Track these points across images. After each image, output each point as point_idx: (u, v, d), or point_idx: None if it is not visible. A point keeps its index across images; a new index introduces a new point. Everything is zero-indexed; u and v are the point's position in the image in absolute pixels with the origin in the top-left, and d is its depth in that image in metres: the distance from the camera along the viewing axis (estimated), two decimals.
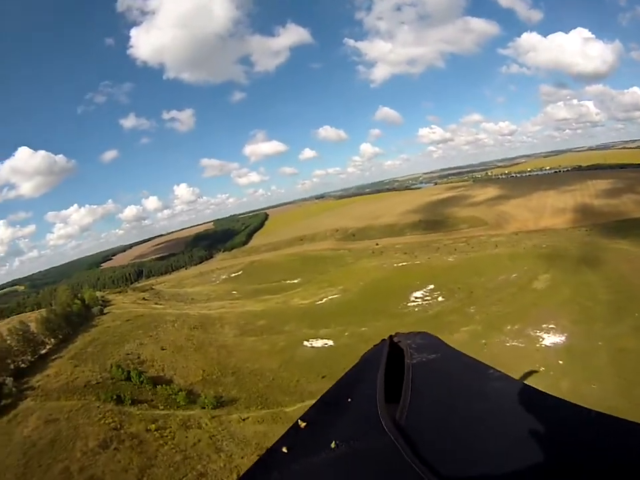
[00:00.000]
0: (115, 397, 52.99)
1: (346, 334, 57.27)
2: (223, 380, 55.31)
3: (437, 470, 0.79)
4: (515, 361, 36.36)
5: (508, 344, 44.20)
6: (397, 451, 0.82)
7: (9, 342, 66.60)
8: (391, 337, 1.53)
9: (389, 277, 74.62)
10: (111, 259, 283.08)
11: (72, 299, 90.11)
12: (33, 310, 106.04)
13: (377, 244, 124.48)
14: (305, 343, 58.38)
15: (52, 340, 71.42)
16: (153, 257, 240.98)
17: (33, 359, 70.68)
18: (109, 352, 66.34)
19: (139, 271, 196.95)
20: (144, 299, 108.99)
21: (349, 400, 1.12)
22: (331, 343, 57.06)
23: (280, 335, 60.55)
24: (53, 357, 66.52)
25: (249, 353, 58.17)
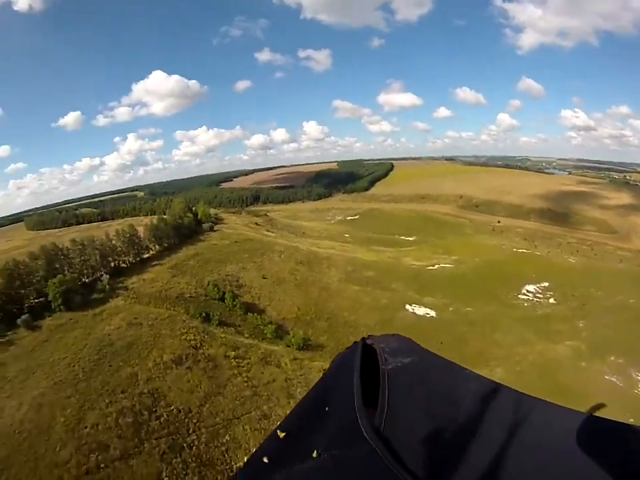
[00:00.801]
0: (203, 314, 57.97)
1: (450, 309, 59.85)
2: (316, 323, 59.20)
3: (419, 476, 0.90)
4: (605, 398, 36.62)
5: (606, 377, 44.15)
6: (378, 458, 0.95)
7: (114, 242, 79.76)
8: (363, 339, 1.67)
9: (506, 261, 77.92)
10: (232, 181, 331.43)
11: (185, 211, 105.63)
12: (146, 215, 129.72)
13: (499, 221, 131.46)
14: (408, 306, 62.23)
15: (156, 247, 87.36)
16: (273, 185, 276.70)
17: (134, 261, 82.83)
18: (210, 269, 76.12)
19: (256, 195, 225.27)
20: (256, 223, 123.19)
21: (327, 409, 1.26)
22: (432, 314, 59.83)
23: (385, 292, 65.56)
24: (153, 263, 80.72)
25: (349, 302, 62.54)
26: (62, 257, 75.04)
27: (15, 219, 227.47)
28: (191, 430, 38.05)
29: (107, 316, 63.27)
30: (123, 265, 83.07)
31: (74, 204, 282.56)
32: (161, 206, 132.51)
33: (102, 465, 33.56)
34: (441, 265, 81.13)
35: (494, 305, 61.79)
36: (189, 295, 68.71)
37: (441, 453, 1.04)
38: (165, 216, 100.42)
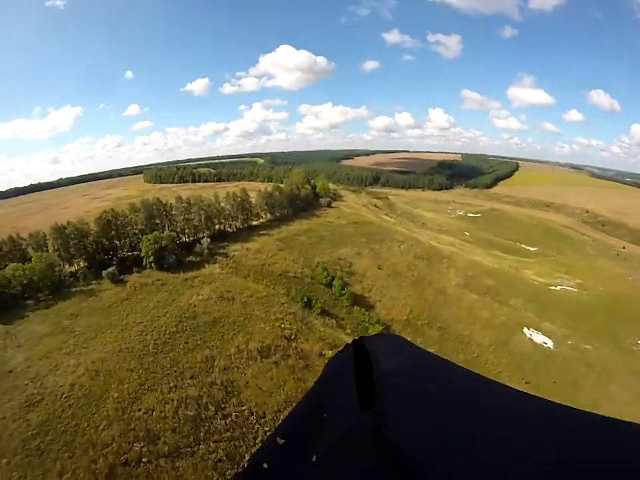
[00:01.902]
0: (305, 299, 60.46)
1: (569, 342, 63.99)
2: (427, 331, 62.05)
3: (418, 478, 1.07)
4: None
5: None
6: (377, 462, 1.12)
7: (223, 204, 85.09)
8: (355, 341, 1.92)
9: (631, 297, 79.20)
10: (352, 159, 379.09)
11: (303, 182, 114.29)
12: (263, 181, 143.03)
13: (624, 247, 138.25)
14: (525, 330, 65.27)
15: (267, 215, 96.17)
16: (393, 168, 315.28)
17: (240, 227, 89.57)
18: (321, 249, 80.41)
19: (376, 177, 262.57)
20: (376, 206, 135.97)
21: (325, 415, 1.49)
22: (550, 344, 63.44)
23: (502, 307, 69.62)
24: (261, 233, 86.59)
25: (465, 312, 66.51)
26: (164, 213, 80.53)
27: (136, 170, 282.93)
28: (258, 439, 36.57)
29: (198, 283, 64.19)
30: (228, 229, 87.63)
31: (194, 163, 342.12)
32: (279, 174, 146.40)
33: (144, 459, 33.52)
34: (564, 287, 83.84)
35: (612, 347, 62.47)
36: (293, 274, 69.58)
37: (439, 454, 1.21)
38: (281, 184, 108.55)
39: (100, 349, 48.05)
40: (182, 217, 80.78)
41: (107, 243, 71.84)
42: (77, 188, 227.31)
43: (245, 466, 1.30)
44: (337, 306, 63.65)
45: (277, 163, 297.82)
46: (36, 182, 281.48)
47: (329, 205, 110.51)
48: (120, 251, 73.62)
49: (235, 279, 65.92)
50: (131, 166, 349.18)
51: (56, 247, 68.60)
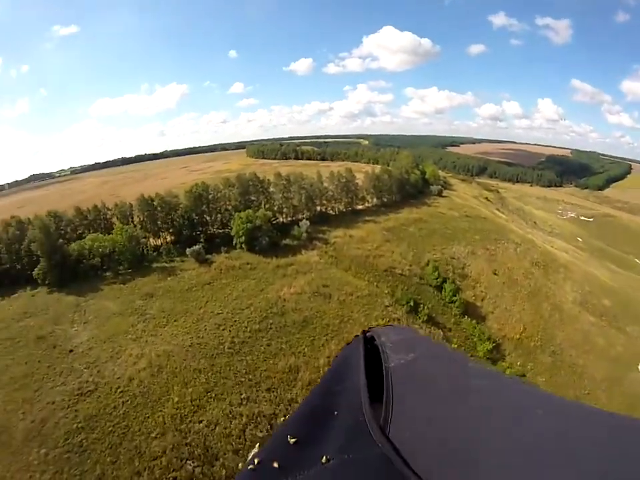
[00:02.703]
0: (411, 303, 58.51)
1: None
2: (539, 355, 60.15)
3: (428, 477, 1.14)
4: None
5: None
6: (387, 461, 1.20)
7: (326, 184, 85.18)
8: (364, 332, 2.07)
9: None
10: (458, 146, 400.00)
11: (412, 167, 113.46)
12: (368, 163, 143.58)
13: None
14: None
15: (374, 200, 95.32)
16: (499, 159, 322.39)
17: (344, 210, 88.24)
18: (432, 244, 78.23)
19: (482, 167, 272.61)
20: (487, 198, 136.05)
21: (336, 413, 1.60)
22: None
23: (619, 334, 67.06)
24: (366, 219, 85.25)
25: (580, 336, 65.64)
26: (260, 190, 78.95)
27: (240, 145, 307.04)
28: None
29: (291, 272, 60.87)
30: (330, 212, 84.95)
31: (298, 141, 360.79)
32: (386, 157, 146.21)
33: None
34: None
35: None
36: (400, 272, 65.81)
37: (449, 452, 1.28)
38: (389, 167, 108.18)
39: (169, 339, 46.11)
40: (280, 195, 79.32)
41: (196, 217, 71.57)
42: (179, 160, 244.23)
43: (255, 463, 1.36)
44: (446, 314, 61.29)
45: (381, 145, 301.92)
46: (142, 153, 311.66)
47: (439, 194, 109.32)
48: (210, 228, 73.33)
49: (335, 270, 62.51)
50: (235, 141, 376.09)
51: (142, 219, 70.00)
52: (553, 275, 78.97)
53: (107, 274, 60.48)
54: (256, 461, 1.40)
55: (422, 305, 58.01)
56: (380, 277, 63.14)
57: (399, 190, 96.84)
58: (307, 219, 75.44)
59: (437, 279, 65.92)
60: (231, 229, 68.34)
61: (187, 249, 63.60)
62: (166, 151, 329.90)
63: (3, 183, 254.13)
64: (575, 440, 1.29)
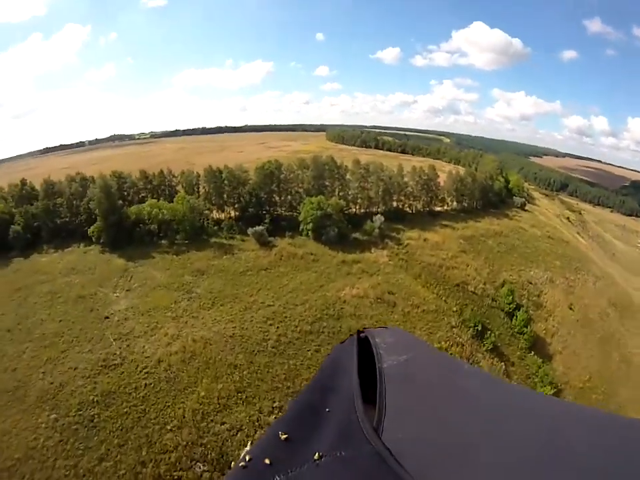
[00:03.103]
0: (479, 327, 54.54)
1: None
2: None
3: (420, 476, 1.17)
4: None
5: None
6: (380, 459, 1.22)
7: (405, 179, 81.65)
8: (358, 332, 2.06)
9: None
10: (540, 157, 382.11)
11: (496, 173, 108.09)
12: (449, 162, 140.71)
13: None
14: None
15: (454, 203, 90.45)
16: (580, 176, 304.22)
17: (421, 210, 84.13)
18: (510, 262, 71.87)
19: (564, 183, 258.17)
20: (568, 219, 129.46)
21: (328, 410, 1.61)
22: None
23: None
24: (444, 223, 79.90)
25: None
26: (336, 176, 75.12)
27: (320, 128, 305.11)
28: None
29: (356, 271, 56.93)
30: (407, 209, 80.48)
31: (379, 130, 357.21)
32: (469, 158, 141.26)
33: None
34: None
35: None
36: (472, 289, 60.24)
37: (442, 452, 1.31)
38: (474, 170, 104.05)
39: (210, 324, 43.20)
40: (356, 185, 74.73)
41: (264, 196, 68.70)
42: (258, 135, 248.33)
43: (247, 460, 1.37)
44: (512, 345, 56.31)
45: (462, 145, 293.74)
46: (222, 125, 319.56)
47: (522, 207, 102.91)
48: (277, 209, 70.46)
49: (403, 276, 57.77)
50: (316, 123, 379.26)
51: (207, 190, 68.01)
52: (628, 320, 72.17)
53: (163, 242, 59.15)
54: (247, 457, 1.40)
55: (489, 332, 54.06)
56: (450, 291, 58.44)
57: (481, 196, 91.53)
58: (381, 214, 70.63)
59: (510, 303, 60.74)
60: (299, 214, 64.79)
61: (249, 229, 60.95)
62: (246, 125, 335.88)
63: (84, 140, 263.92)
64: (568, 440, 1.34)
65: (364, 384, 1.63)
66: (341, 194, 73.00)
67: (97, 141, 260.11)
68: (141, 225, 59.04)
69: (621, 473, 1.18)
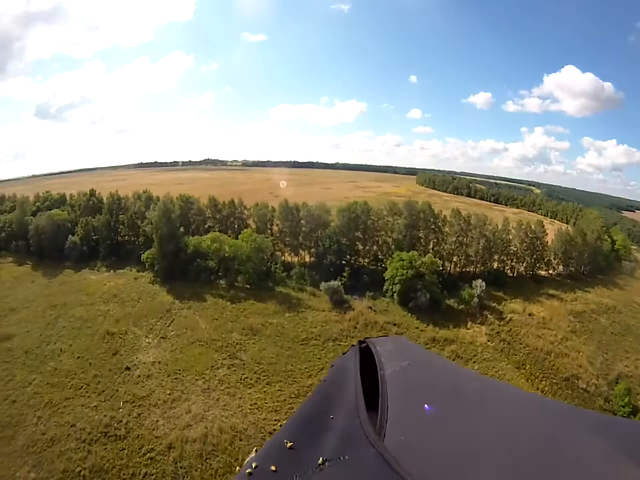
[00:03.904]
0: None
1: None
2: None
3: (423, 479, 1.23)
4: None
5: None
6: (383, 463, 1.27)
7: (511, 237, 71.07)
8: (360, 342, 2.17)
9: None
10: (633, 212, 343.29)
11: (602, 232, 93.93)
12: (545, 216, 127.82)
13: None
14: None
15: (559, 267, 78.89)
16: None
17: (523, 273, 72.56)
18: (624, 348, 60.73)
19: None
20: None
21: (332, 417, 1.67)
22: None
23: None
24: (550, 291, 69.54)
25: None
26: (432, 227, 65.74)
27: (410, 171, 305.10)
28: None
29: (449, 355, 46.94)
30: (508, 272, 69.03)
31: (469, 177, 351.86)
32: (567, 212, 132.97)
33: None
34: None
35: None
36: (584, 385, 48.87)
37: (444, 454, 1.36)
38: (578, 228, 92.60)
39: (247, 410, 35.05)
40: (454, 239, 64.64)
41: (346, 243, 60.01)
42: (348, 174, 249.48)
43: (253, 467, 1.40)
44: None
45: (553, 196, 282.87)
46: (314, 160, 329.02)
47: (631, 273, 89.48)
48: (359, 260, 61.60)
49: (504, 364, 48.78)
50: (406, 166, 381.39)
51: (281, 229, 60.80)
52: None
53: (220, 282, 52.87)
54: (253, 465, 1.43)
55: None
56: (558, 387, 48.72)
57: (591, 260, 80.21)
58: (482, 280, 59.93)
59: (624, 406, 49.84)
60: (384, 268, 55.80)
61: (323, 283, 52.40)
62: (337, 163, 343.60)
63: (178, 160, 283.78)
64: (572, 442, 1.39)
65: (367, 391, 1.69)
66: (435, 248, 63.65)
67: (190, 163, 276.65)
68: (198, 260, 53.12)
69: (624, 475, 1.22)
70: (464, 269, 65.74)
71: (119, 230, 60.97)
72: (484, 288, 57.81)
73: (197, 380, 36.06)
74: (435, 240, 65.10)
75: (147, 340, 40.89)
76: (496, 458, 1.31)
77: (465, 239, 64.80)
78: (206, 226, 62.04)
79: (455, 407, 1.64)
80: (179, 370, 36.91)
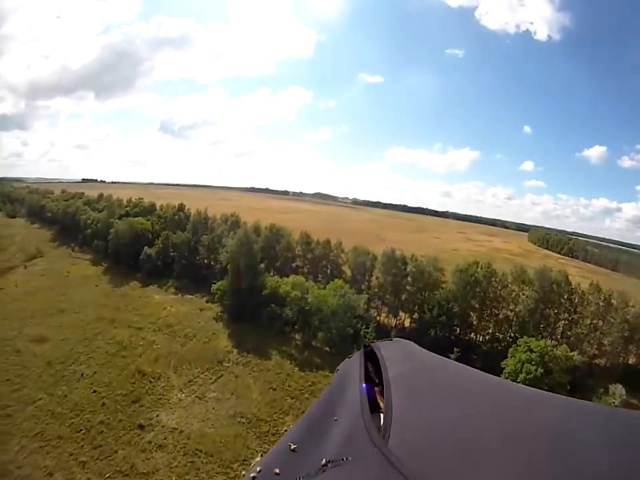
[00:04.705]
0: None
1: None
2: None
3: None
4: None
5: None
6: (388, 464, 1.27)
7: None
8: (364, 346, 2.13)
9: None
10: None
11: None
12: None
13: None
14: None
15: None
16: None
17: None
18: None
19: None
20: None
21: (335, 419, 1.66)
22: None
23: None
24: None
25: None
26: (567, 305, 54.63)
27: (521, 227, 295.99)
28: None
29: None
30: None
31: (582, 239, 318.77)
32: None
33: None
34: None
35: None
36: None
37: (448, 455, 1.37)
38: None
39: None
40: (589, 322, 53.40)
41: (457, 310, 49.64)
42: (457, 224, 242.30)
43: (257, 471, 1.43)
44: None
45: None
46: (424, 207, 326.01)
47: None
48: (474, 336, 51.97)
49: None
50: (516, 221, 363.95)
51: (381, 282, 51.73)
52: None
53: (295, 337, 45.76)
54: (258, 469, 1.45)
55: None
56: None
57: None
58: (616, 380, 49.64)
59: None
60: (502, 351, 47.18)
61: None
62: (447, 211, 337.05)
63: (289, 190, 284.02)
64: (576, 437, 1.41)
65: (372, 394, 1.71)
66: (567, 334, 52.55)
67: (301, 194, 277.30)
68: (273, 305, 45.89)
69: (628, 469, 1.25)
70: (592, 361, 53.91)
71: (199, 251, 56.59)
72: (624, 395, 47.18)
73: (217, 474, 27.40)
74: (566, 321, 53.78)
75: (179, 395, 33.96)
76: (501, 459, 1.33)
77: (601, 323, 53.05)
78: (294, 264, 54.92)
79: (460, 408, 1.62)
80: (200, 451, 28.98)
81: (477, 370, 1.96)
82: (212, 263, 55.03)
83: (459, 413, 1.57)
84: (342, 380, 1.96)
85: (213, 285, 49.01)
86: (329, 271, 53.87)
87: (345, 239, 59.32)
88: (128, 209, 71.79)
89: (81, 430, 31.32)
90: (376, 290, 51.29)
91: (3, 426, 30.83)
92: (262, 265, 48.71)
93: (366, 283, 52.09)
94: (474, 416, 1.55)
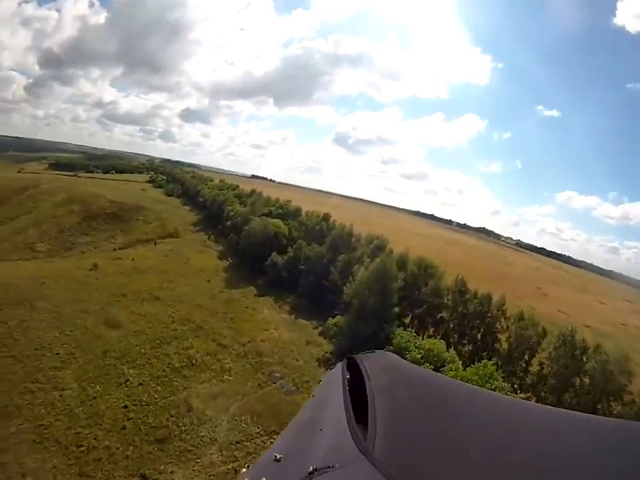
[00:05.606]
0: None
1: None
2: None
3: None
4: None
5: None
6: (374, 472, 1.32)
7: None
8: (347, 357, 2.26)
9: None
10: None
11: None
12: None
13: None
14: None
15: None
16: None
17: None
18: None
19: None
20: None
21: (320, 429, 1.74)
22: None
23: None
24: None
25: None
26: None
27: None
28: None
29: None
30: None
31: None
32: None
33: None
34: None
35: None
36: None
37: (433, 465, 1.43)
38: None
39: None
40: None
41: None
42: (624, 288, 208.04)
43: None
44: None
45: None
46: (590, 262, 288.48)
47: None
48: None
49: None
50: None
51: (550, 370, 38.04)
52: None
53: None
54: (245, 479, 1.53)
55: None
56: None
57: None
58: None
59: None
60: None
61: None
62: (612, 271, 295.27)
63: (453, 220, 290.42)
64: (563, 450, 1.44)
65: (356, 405, 1.75)
66: None
67: (465, 226, 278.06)
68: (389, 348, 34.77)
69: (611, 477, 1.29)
70: None
71: (331, 271, 49.60)
72: None
73: None
74: None
75: (213, 457, 26.50)
76: (483, 468, 1.35)
77: None
78: (438, 315, 43.77)
79: (444, 418, 1.68)
80: None
81: (460, 382, 2.08)
82: (343, 287, 45.74)
83: (443, 423, 1.63)
84: (325, 391, 2.06)
85: (332, 316, 41.24)
86: (479, 336, 41.66)
87: (502, 286, 50.51)
88: (272, 208, 69.87)
89: (81, 446, 28.38)
90: (534, 379, 37.55)
91: (20, 400, 30.14)
92: (396, 309, 39.07)
93: (522, 364, 38.56)
94: (457, 426, 1.60)
